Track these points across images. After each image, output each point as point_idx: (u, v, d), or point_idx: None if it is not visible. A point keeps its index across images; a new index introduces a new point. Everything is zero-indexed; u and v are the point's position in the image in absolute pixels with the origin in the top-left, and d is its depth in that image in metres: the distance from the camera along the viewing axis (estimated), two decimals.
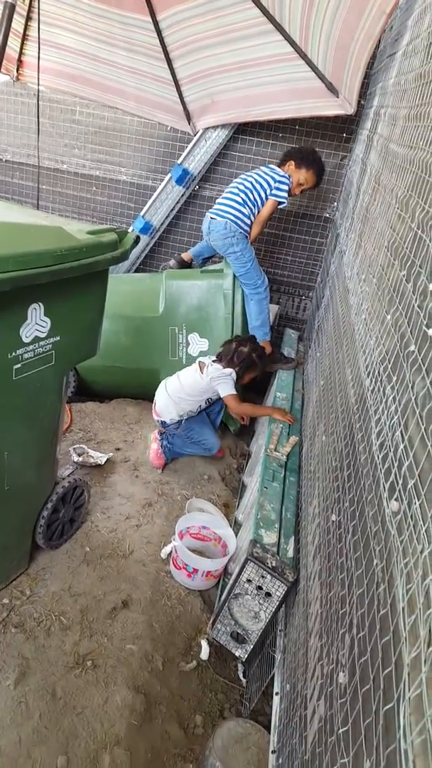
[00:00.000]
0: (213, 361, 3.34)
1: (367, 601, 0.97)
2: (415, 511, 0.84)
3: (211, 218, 3.61)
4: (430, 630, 0.65)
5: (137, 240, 2.24)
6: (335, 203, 4.25)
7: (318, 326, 3.59)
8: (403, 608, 0.77)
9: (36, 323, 1.83)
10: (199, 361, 3.39)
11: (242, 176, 3.67)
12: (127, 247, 2.13)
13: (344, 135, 4.05)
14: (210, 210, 3.67)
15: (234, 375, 3.26)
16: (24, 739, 1.78)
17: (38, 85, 3.73)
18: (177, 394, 3.33)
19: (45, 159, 4.73)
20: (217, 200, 3.68)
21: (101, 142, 4.57)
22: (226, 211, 3.58)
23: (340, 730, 0.93)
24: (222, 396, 3.25)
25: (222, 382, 3.23)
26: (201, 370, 3.32)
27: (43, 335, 1.89)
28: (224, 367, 3.27)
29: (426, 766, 0.57)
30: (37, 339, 1.87)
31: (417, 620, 0.71)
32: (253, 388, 3.83)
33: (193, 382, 3.31)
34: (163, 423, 3.43)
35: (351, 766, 0.84)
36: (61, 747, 1.78)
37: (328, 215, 4.32)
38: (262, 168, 3.66)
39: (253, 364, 3.35)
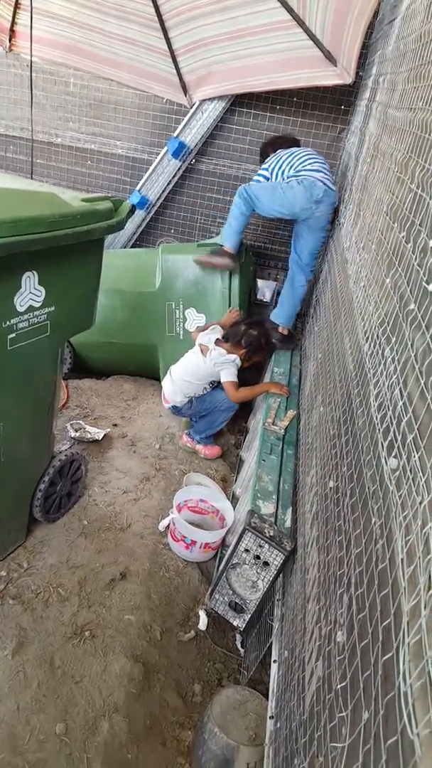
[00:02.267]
0: (217, 342, 3.30)
1: (365, 558, 0.96)
2: (414, 464, 0.83)
3: (326, 187, 3.25)
4: (429, 576, 0.64)
5: (133, 209, 2.20)
6: (333, 177, 4.19)
7: (316, 300, 3.56)
8: (402, 559, 0.76)
9: (30, 292, 1.81)
10: (201, 345, 3.33)
11: (305, 150, 3.48)
12: (123, 216, 2.10)
13: (342, 107, 3.98)
14: (316, 176, 3.27)
15: (238, 361, 3.22)
16: (22, 707, 1.79)
17: (31, 56, 3.65)
18: (181, 378, 3.30)
19: (39, 132, 4.65)
20: (310, 168, 3.30)
21: (96, 114, 4.50)
22: (332, 184, 3.31)
23: (338, 686, 0.92)
24: (222, 381, 3.21)
25: (225, 368, 3.19)
26: (203, 353, 3.27)
27: (37, 305, 1.87)
28: (229, 351, 3.24)
29: (425, 708, 0.57)
30: (31, 308, 1.85)
31: (416, 569, 0.70)
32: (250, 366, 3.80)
33: (196, 366, 3.28)
34: (174, 408, 3.39)
35: (349, 719, 0.84)
36: (59, 714, 1.79)
37: None
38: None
39: (261, 349, 3.33)
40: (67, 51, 4.16)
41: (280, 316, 3.66)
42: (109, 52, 4.04)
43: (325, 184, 3.27)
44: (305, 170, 3.31)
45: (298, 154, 3.42)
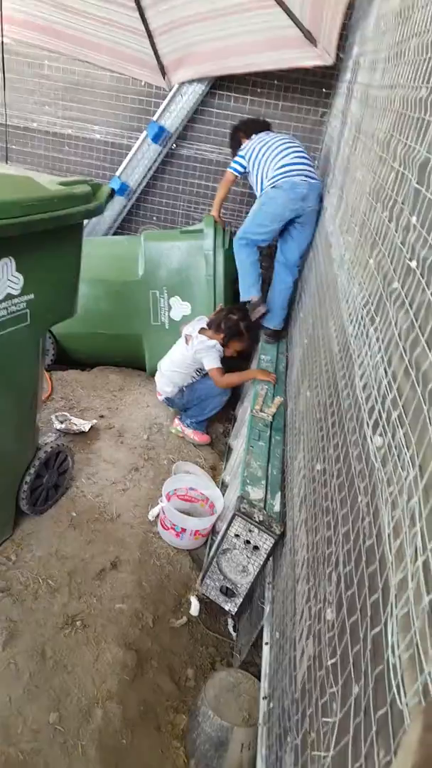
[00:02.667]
0: (201, 330, 3.30)
1: (353, 536, 0.96)
2: (399, 441, 0.83)
3: (310, 181, 3.25)
4: (416, 548, 0.64)
5: (112, 193, 2.18)
6: (315, 161, 4.17)
7: (301, 287, 3.56)
8: (389, 535, 0.76)
9: (8, 279, 1.78)
10: (186, 335, 3.33)
11: (284, 137, 3.49)
12: (102, 200, 2.07)
13: (323, 90, 3.96)
14: (294, 174, 3.26)
15: (218, 347, 3.21)
16: (14, 698, 1.78)
17: (2, 36, 3.57)
18: (169, 369, 3.33)
19: (13, 117, 4.56)
20: (290, 162, 3.30)
21: (72, 98, 4.42)
22: (314, 173, 3.34)
23: (329, 663, 0.93)
24: (206, 368, 3.21)
25: (206, 354, 3.18)
26: (187, 342, 3.28)
27: (16, 292, 1.84)
28: (211, 337, 3.23)
29: (413, 678, 0.57)
30: (9, 296, 1.82)
31: (403, 543, 0.70)
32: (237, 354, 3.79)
33: (181, 356, 3.29)
34: (168, 401, 3.42)
35: (340, 695, 0.84)
36: (52, 704, 1.78)
37: None
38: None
39: (240, 333, 3.29)
40: (42, 32, 4.07)
41: (271, 321, 3.66)
42: (85, 32, 3.95)
43: (307, 177, 3.26)
44: (283, 168, 3.29)
45: (275, 144, 3.38)
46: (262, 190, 3.46)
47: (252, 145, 3.45)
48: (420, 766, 0.32)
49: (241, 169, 3.51)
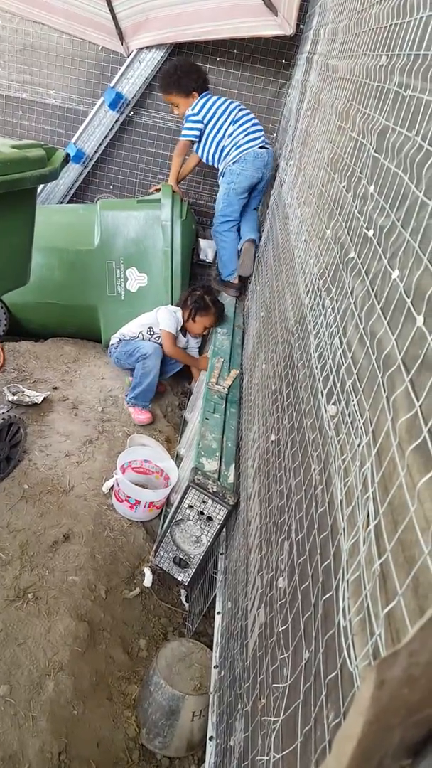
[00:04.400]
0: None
1: (305, 504, 0.97)
2: (353, 409, 0.83)
3: (266, 147, 3.45)
4: (368, 514, 0.65)
5: (67, 158, 2.11)
6: (274, 134, 4.13)
7: (258, 259, 3.54)
8: (341, 501, 0.77)
9: None
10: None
11: (235, 102, 3.53)
12: (57, 165, 2.00)
13: (283, 61, 3.90)
14: (255, 141, 3.43)
15: (179, 314, 3.33)
16: None
17: None
18: (126, 324, 3.40)
19: None
20: (245, 129, 3.43)
21: (27, 61, 4.24)
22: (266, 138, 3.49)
23: (280, 629, 0.94)
24: (160, 328, 3.29)
25: (165, 317, 3.28)
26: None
27: None
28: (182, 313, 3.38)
29: (364, 641, 0.58)
30: None
31: (355, 509, 0.70)
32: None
33: (144, 317, 3.38)
34: (110, 353, 3.46)
35: (290, 660, 0.85)
36: (2, 676, 1.76)
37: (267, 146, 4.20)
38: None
39: (206, 306, 3.35)
40: None
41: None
42: None
43: (264, 143, 3.42)
44: (245, 136, 3.42)
45: (229, 108, 3.45)
46: (220, 160, 3.45)
47: (207, 106, 3.41)
48: (372, 723, 0.32)
49: (197, 134, 3.46)
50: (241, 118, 3.42)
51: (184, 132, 3.54)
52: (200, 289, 3.41)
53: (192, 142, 3.58)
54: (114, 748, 1.78)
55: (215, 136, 3.41)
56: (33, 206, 2.01)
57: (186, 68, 3.54)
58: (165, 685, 1.73)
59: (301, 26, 3.51)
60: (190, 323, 3.40)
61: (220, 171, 3.59)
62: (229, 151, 3.43)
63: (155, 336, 3.33)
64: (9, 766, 1.58)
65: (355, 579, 0.64)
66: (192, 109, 3.48)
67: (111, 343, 3.44)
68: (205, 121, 3.40)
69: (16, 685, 1.75)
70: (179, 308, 3.41)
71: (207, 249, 4.29)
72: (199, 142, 3.53)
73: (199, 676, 1.77)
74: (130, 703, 1.88)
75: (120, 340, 3.38)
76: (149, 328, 3.33)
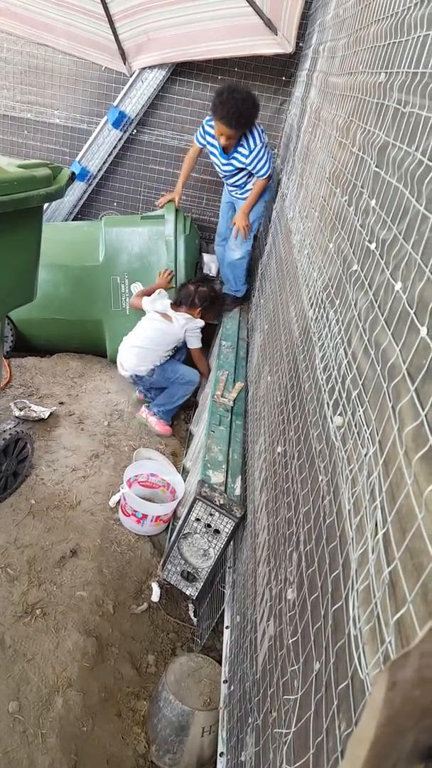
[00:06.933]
0: (173, 308, 3.40)
1: (313, 515, 0.97)
2: (359, 419, 0.84)
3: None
4: (376, 523, 0.65)
5: (73, 177, 2.13)
6: (275, 149, 4.18)
7: (261, 274, 3.56)
8: (349, 511, 0.77)
9: None
10: (163, 313, 3.37)
11: None
12: (63, 183, 2.03)
13: (283, 78, 3.96)
14: None
15: (166, 300, 3.42)
16: None
17: None
18: (145, 347, 3.30)
19: None
20: None
21: (31, 82, 4.31)
22: None
23: (290, 641, 0.94)
24: (190, 347, 3.39)
25: (194, 335, 3.37)
26: (168, 320, 3.34)
27: None
28: (187, 311, 3.38)
29: (374, 650, 0.58)
30: None
31: (363, 518, 0.71)
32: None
33: (162, 333, 3.31)
34: (136, 377, 3.37)
35: (301, 672, 0.85)
36: (12, 693, 1.76)
37: None
38: None
39: (214, 302, 3.47)
40: None
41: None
42: (44, 15, 3.86)
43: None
44: None
45: None
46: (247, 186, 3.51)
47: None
48: (385, 726, 0.32)
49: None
50: None
51: (268, 169, 3.34)
52: (205, 286, 3.49)
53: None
54: (124, 765, 1.76)
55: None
56: (40, 224, 2.04)
57: (254, 100, 3.17)
58: (174, 700, 1.73)
59: (301, 44, 3.56)
60: (196, 315, 3.44)
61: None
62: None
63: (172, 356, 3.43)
64: None
65: (365, 588, 0.64)
66: (257, 142, 3.27)
67: (138, 370, 3.33)
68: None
69: (25, 701, 1.74)
70: (177, 307, 3.41)
71: (210, 263, 4.33)
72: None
73: (209, 691, 1.76)
74: (140, 720, 1.87)
75: (153, 369, 3.33)
76: (172, 348, 3.39)
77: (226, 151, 3.33)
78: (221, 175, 3.59)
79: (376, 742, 0.34)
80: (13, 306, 2.09)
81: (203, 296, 3.40)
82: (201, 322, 3.39)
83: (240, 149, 3.29)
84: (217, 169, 3.54)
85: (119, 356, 3.41)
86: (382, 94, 1.18)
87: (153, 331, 3.32)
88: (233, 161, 3.36)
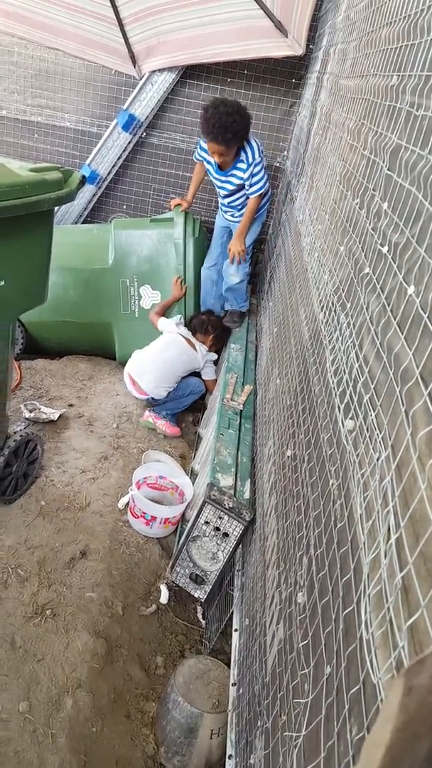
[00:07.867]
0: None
1: (324, 519, 0.97)
2: (370, 423, 0.84)
3: None
4: (389, 527, 0.65)
5: (83, 180, 2.15)
6: (285, 152, 4.18)
7: (270, 276, 3.57)
8: (360, 515, 0.77)
9: None
10: (186, 338, 3.47)
11: None
12: (73, 186, 2.04)
13: (293, 81, 3.95)
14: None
15: (183, 327, 3.57)
16: None
17: None
18: (169, 373, 3.36)
19: None
20: None
21: (42, 86, 4.34)
22: None
23: (300, 645, 0.94)
24: (205, 378, 3.51)
25: (210, 367, 3.53)
26: (191, 346, 3.45)
27: None
28: (201, 339, 3.54)
29: (387, 654, 0.58)
30: None
31: (375, 522, 0.71)
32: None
33: (188, 360, 3.42)
34: (153, 400, 3.40)
35: (312, 676, 0.85)
36: (22, 693, 1.77)
37: (278, 164, 4.25)
38: None
39: (225, 330, 3.63)
40: (10, 18, 3.98)
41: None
42: (55, 20, 3.88)
43: None
44: None
45: None
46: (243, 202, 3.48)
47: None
48: (400, 731, 0.32)
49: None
50: None
51: (263, 186, 3.31)
52: (214, 315, 3.70)
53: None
54: (133, 766, 1.77)
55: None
56: (51, 227, 2.05)
57: (242, 112, 3.10)
58: (183, 702, 1.73)
59: (311, 46, 3.56)
60: (209, 344, 3.59)
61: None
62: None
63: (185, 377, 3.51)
64: None
65: (377, 592, 0.64)
66: (256, 157, 3.23)
67: (158, 395, 3.35)
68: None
69: (35, 701, 1.75)
70: (198, 339, 3.54)
71: None
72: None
73: (218, 693, 1.76)
74: (148, 721, 1.87)
75: (168, 392, 3.37)
76: (185, 371, 3.47)
77: (223, 168, 3.32)
78: (220, 195, 3.55)
79: (392, 747, 0.34)
80: (26, 308, 2.10)
81: (215, 324, 3.59)
82: (215, 356, 3.57)
83: (238, 164, 3.27)
84: (215, 187, 3.55)
85: (135, 376, 3.38)
86: (395, 97, 1.18)
87: (179, 354, 3.39)
88: (231, 178, 3.34)
